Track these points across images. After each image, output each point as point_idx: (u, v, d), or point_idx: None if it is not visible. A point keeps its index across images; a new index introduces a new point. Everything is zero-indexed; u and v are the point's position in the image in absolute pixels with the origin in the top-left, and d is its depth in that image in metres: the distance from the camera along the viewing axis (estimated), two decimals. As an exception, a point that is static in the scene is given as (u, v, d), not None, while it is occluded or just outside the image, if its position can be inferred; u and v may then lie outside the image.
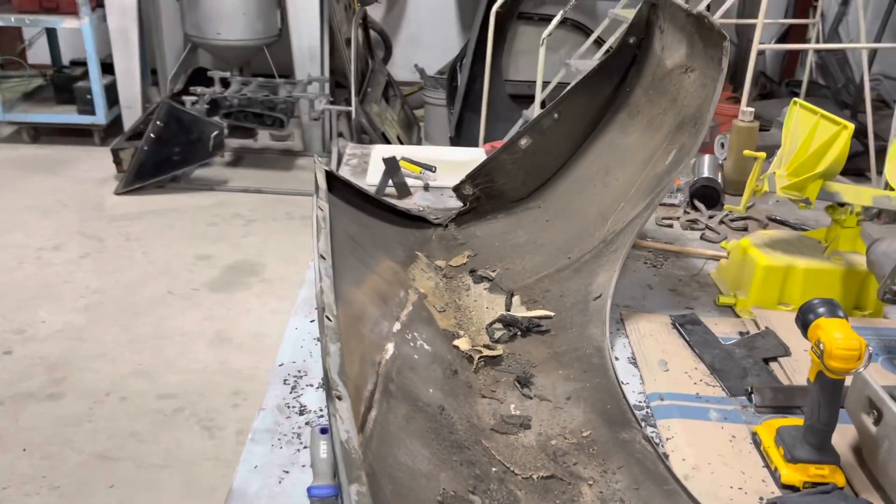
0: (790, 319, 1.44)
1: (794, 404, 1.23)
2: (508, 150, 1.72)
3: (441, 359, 1.28)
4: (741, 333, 1.44)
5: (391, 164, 1.96)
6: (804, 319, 1.06)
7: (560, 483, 1.06)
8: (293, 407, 1.20)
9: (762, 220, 1.94)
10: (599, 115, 1.70)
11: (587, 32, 5.36)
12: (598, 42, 4.77)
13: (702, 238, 1.85)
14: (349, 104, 4.87)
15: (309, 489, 1.03)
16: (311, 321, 1.44)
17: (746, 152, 1.52)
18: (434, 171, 2.13)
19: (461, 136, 5.00)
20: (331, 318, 0.95)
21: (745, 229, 1.90)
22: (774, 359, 1.35)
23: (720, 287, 1.61)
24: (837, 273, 1.48)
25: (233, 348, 3.15)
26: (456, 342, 1.35)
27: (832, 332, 1.01)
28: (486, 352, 1.33)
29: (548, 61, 5.67)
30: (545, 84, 4.70)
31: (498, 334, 1.39)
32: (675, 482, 1.03)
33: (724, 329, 1.45)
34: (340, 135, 5.35)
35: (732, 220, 1.92)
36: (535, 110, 4.30)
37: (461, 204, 1.76)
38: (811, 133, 1.46)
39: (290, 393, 1.23)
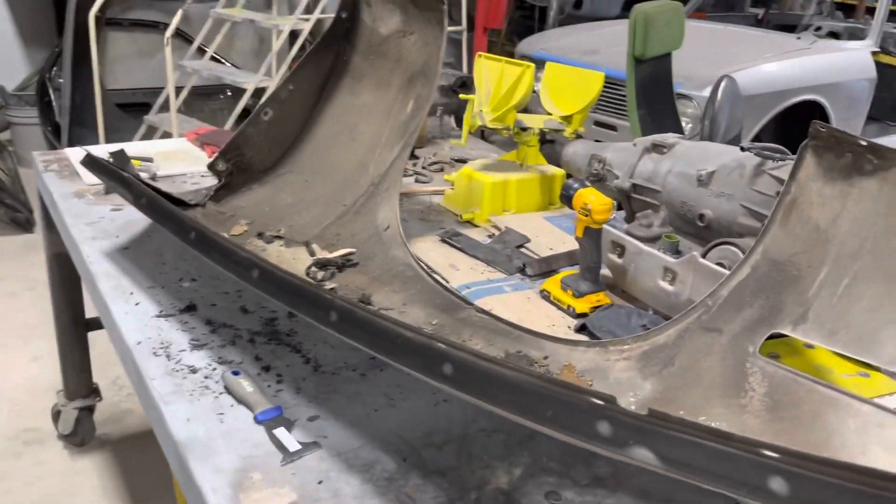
0: (517, 220, 1.89)
1: (553, 268, 1.67)
2: (252, 123, 1.85)
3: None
4: (490, 236, 1.84)
5: (120, 158, 1.92)
6: (567, 195, 1.48)
7: (442, 355, 1.32)
8: (182, 370, 1.23)
9: (449, 161, 2.38)
10: (327, 82, 1.93)
11: (183, 35, 5.36)
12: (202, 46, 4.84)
13: (416, 181, 2.21)
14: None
15: (256, 416, 1.12)
16: (137, 304, 1.43)
17: (462, 96, 1.91)
18: (153, 162, 2.12)
19: (76, 152, 4.64)
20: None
21: (442, 170, 2.32)
22: (522, 245, 1.78)
23: (452, 210, 1.99)
24: (536, 180, 1.97)
25: None
26: (291, 287, 1.48)
27: (590, 196, 1.45)
28: (323, 287, 1.50)
29: (146, 67, 5.54)
30: (158, 89, 4.65)
31: (320, 275, 1.56)
32: (517, 329, 1.36)
33: (476, 235, 1.83)
34: None
35: (431, 165, 2.32)
36: (170, 113, 4.23)
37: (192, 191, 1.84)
38: (500, 77, 1.90)
39: (169, 361, 1.26)
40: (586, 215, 1.45)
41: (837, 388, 1.01)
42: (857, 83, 4.41)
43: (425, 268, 1.57)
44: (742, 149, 1.41)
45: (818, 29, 5.64)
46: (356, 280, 1.56)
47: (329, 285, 1.51)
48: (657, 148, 1.61)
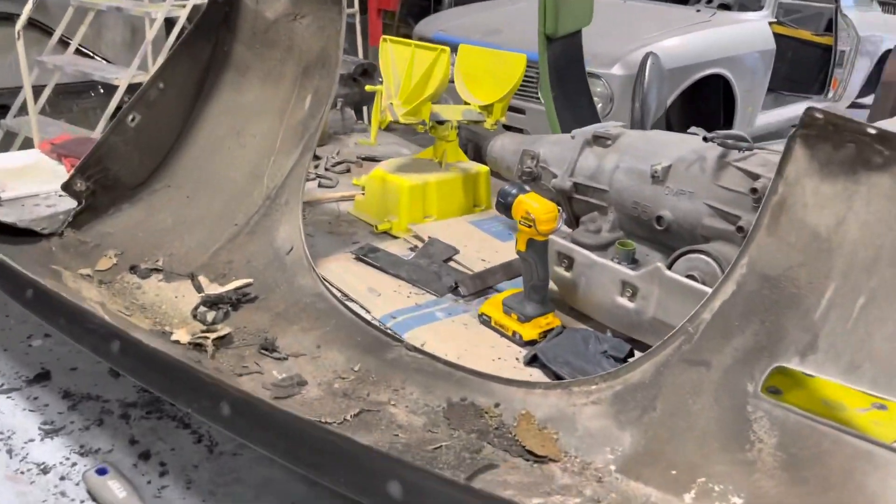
0: (441, 227, 1.64)
1: (489, 285, 1.44)
2: (117, 131, 1.54)
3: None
4: (411, 249, 1.59)
5: (-52, 181, 1.55)
6: (505, 203, 1.25)
7: (371, 414, 1.07)
8: (28, 471, 0.93)
9: (356, 161, 2.11)
10: (206, 78, 1.62)
11: (42, 27, 4.81)
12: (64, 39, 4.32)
13: (320, 186, 1.93)
14: None
15: (132, 536, 0.84)
16: (-31, 377, 1.10)
17: (369, 87, 1.64)
18: (-4, 183, 1.75)
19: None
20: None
21: (348, 171, 2.05)
22: (450, 258, 1.54)
23: (365, 219, 1.73)
24: (459, 180, 1.73)
25: None
26: (174, 337, 1.19)
27: (532, 203, 1.22)
28: (213, 335, 1.21)
29: (1, 65, 4.95)
30: (17, 89, 4.13)
31: (210, 316, 1.27)
32: (459, 370, 1.13)
33: (396, 249, 1.58)
34: None
35: (335, 165, 2.05)
36: (30, 117, 3.73)
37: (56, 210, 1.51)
38: (410, 64, 1.65)
39: (11, 459, 0.95)
40: (529, 226, 1.22)
41: (871, 439, 0.82)
42: (758, 55, 4.39)
43: (340, 297, 1.31)
44: (705, 139, 1.21)
45: (710, 1, 5.63)
46: (256, 319, 1.29)
47: (222, 330, 1.23)
48: (599, 140, 1.40)
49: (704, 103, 4.29)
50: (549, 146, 1.49)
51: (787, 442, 0.86)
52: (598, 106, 3.62)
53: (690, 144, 1.29)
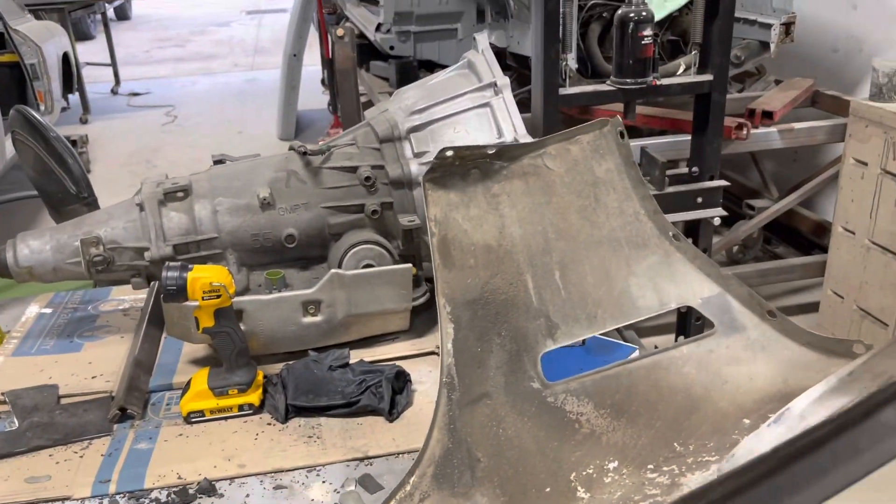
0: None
1: (147, 391, 1.25)
2: None
3: None
4: (-8, 418, 1.21)
5: None
6: (177, 288, 1.11)
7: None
8: None
9: None
10: None
11: None
12: None
13: None
14: None
15: None
16: None
17: None
18: None
19: None
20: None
21: None
22: (59, 397, 1.24)
23: None
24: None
25: None
26: None
27: (206, 273, 1.13)
28: None
29: None
30: None
31: None
32: None
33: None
34: None
35: None
36: None
37: None
38: None
39: None
40: (218, 296, 1.14)
41: (642, 355, 1.09)
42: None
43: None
44: (297, 151, 1.31)
45: None
46: None
47: None
48: (171, 196, 1.32)
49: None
50: (105, 226, 1.30)
51: (600, 399, 1.02)
52: None
53: (270, 167, 1.36)
